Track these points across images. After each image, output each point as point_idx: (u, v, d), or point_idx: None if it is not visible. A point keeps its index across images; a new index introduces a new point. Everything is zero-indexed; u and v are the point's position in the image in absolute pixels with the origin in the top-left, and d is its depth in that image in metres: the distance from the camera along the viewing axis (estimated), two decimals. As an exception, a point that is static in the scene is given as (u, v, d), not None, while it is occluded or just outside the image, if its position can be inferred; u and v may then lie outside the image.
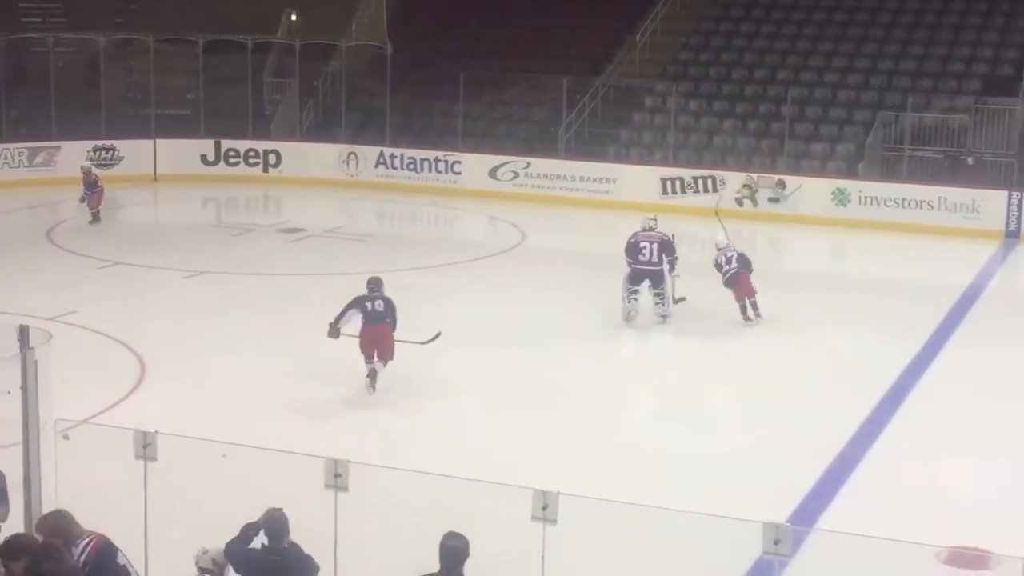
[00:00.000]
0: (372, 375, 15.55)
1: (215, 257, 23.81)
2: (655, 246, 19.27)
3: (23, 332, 9.11)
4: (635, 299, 19.36)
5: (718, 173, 29.52)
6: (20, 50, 33.17)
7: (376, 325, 15.52)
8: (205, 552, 8.99)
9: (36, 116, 32.34)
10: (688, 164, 30.34)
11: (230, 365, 16.85)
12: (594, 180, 29.93)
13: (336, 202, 30.86)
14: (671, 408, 15.93)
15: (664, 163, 30.54)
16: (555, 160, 31.13)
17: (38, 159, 31.03)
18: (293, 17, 36.96)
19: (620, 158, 31.30)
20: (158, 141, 32.46)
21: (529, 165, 30.98)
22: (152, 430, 8.67)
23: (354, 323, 15.57)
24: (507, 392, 16.16)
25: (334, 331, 15.66)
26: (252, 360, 17.08)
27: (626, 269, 19.44)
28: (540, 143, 32.27)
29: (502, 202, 29.91)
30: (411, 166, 32.13)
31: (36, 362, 9.09)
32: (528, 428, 14.73)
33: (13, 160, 30.66)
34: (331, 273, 22.40)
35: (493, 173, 31.11)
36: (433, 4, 37.00)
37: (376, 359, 15.55)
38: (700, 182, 29.48)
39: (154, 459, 8.66)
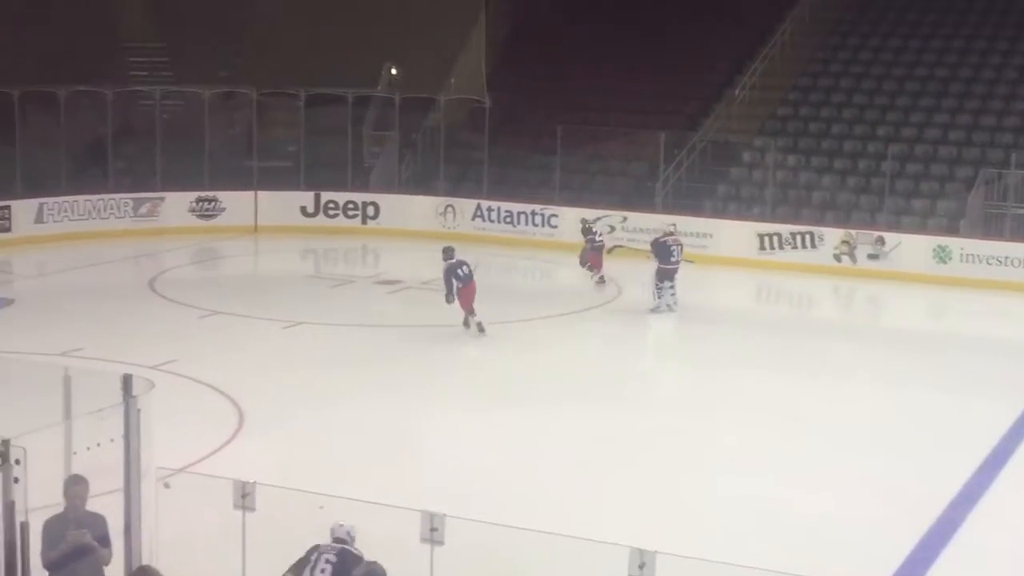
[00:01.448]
0: (479, 325, 20.93)
1: (314, 308, 24.01)
2: (679, 248, 23.45)
3: (127, 381, 9.23)
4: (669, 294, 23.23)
5: (816, 229, 29.30)
6: (127, 102, 33.81)
7: (471, 283, 20.98)
8: (341, 525, 9.14)
9: (141, 167, 32.96)
10: (786, 220, 30.13)
11: (328, 416, 16.97)
12: (691, 235, 29.72)
13: (433, 254, 30.77)
14: (762, 462, 15.69)
15: (762, 218, 30.37)
16: (652, 214, 31.01)
17: (142, 209, 31.60)
18: (393, 71, 37.38)
19: (717, 213, 31.14)
20: (259, 192, 32.94)
21: (626, 219, 30.95)
22: (251, 480, 8.75)
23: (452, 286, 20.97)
24: (594, 446, 16.06)
25: (450, 298, 21.03)
26: (349, 411, 17.20)
27: (656, 266, 23.35)
28: (637, 197, 32.22)
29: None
30: (508, 219, 32.27)
31: (139, 411, 9.22)
32: (614, 481, 14.69)
33: (119, 210, 31.24)
34: (428, 325, 22.51)
35: (590, 227, 31.08)
36: (532, 57, 37.21)
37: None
38: (798, 238, 29.29)
39: (252, 509, 8.73)
